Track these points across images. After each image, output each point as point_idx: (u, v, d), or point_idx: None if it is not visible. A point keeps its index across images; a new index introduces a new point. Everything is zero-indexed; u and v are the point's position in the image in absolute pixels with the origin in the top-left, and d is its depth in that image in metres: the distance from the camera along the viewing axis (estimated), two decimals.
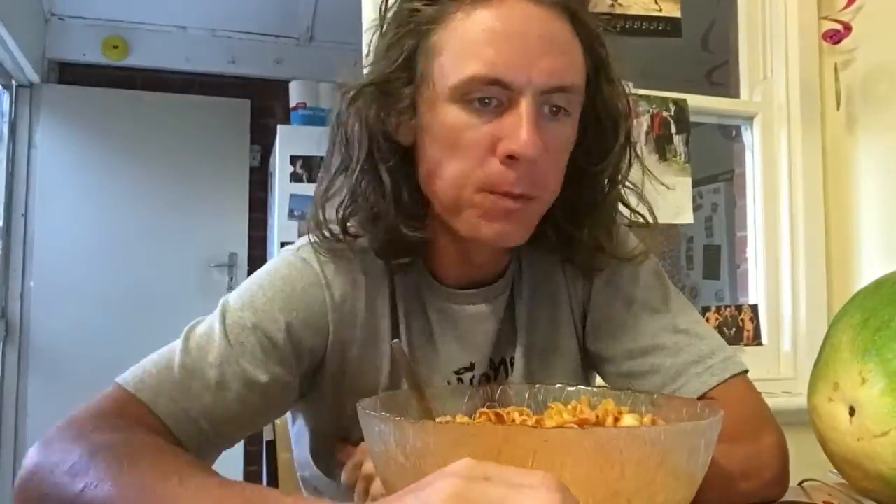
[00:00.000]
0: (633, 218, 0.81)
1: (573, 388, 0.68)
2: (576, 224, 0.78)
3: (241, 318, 0.70)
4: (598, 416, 0.59)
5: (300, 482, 0.91)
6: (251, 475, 3.42)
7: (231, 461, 3.54)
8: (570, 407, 0.61)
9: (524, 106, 0.65)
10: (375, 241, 0.75)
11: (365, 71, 0.75)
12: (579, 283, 0.84)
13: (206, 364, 0.68)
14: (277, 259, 0.77)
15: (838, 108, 1.69)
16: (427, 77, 0.68)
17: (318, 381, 0.77)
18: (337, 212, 0.74)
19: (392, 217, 0.72)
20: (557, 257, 0.83)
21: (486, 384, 0.81)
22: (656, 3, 1.57)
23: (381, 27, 0.73)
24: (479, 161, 0.67)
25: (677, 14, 1.58)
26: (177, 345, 0.70)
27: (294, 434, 0.89)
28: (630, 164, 0.77)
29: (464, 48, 0.66)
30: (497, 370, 0.82)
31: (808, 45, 1.72)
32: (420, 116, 0.70)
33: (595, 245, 0.79)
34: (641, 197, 0.80)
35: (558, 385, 0.70)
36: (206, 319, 0.72)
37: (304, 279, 0.74)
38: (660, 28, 1.57)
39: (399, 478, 0.51)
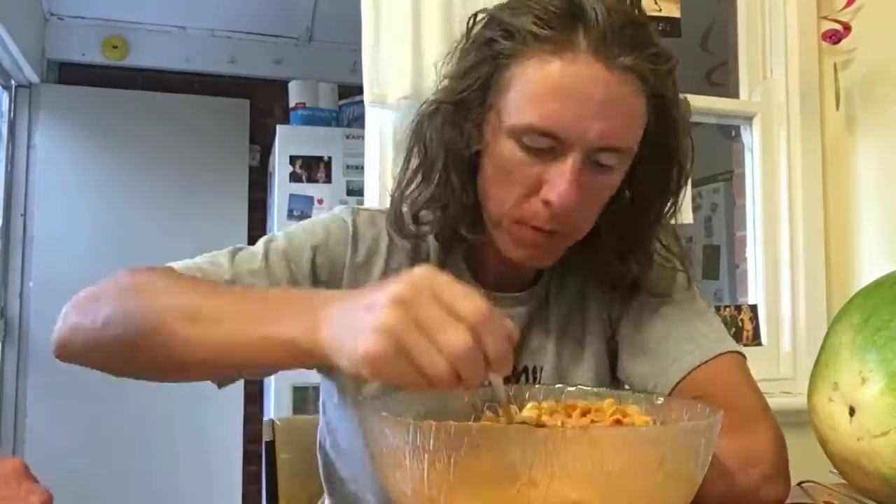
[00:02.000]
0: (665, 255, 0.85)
1: (573, 388, 0.68)
2: (620, 258, 0.82)
3: (277, 244, 0.80)
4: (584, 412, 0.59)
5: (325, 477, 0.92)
6: (251, 475, 3.41)
7: (231, 461, 3.54)
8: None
9: (570, 161, 0.70)
10: (441, 231, 0.82)
11: (441, 81, 0.80)
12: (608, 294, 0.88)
13: (246, 271, 0.77)
14: (329, 213, 0.87)
15: (838, 108, 1.69)
16: (495, 106, 0.74)
17: None
18: (411, 208, 0.81)
19: (453, 217, 0.79)
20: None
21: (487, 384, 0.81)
22: (656, 3, 1.57)
23: (467, 38, 0.77)
24: (522, 197, 0.73)
25: (677, 14, 1.58)
26: (227, 250, 0.81)
27: (323, 426, 0.91)
28: (678, 207, 0.82)
29: (530, 94, 0.70)
30: (528, 376, 0.85)
31: (808, 45, 1.72)
32: (483, 136, 0.75)
33: (634, 280, 0.83)
34: (677, 237, 0.85)
35: (558, 385, 0.70)
36: (258, 241, 0.82)
37: (337, 233, 0.83)
38: (659, 28, 1.57)
39: (401, 478, 0.51)
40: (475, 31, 0.76)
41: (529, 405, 0.63)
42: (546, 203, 0.71)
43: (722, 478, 0.66)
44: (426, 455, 0.47)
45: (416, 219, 0.80)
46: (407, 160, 0.82)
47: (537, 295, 0.86)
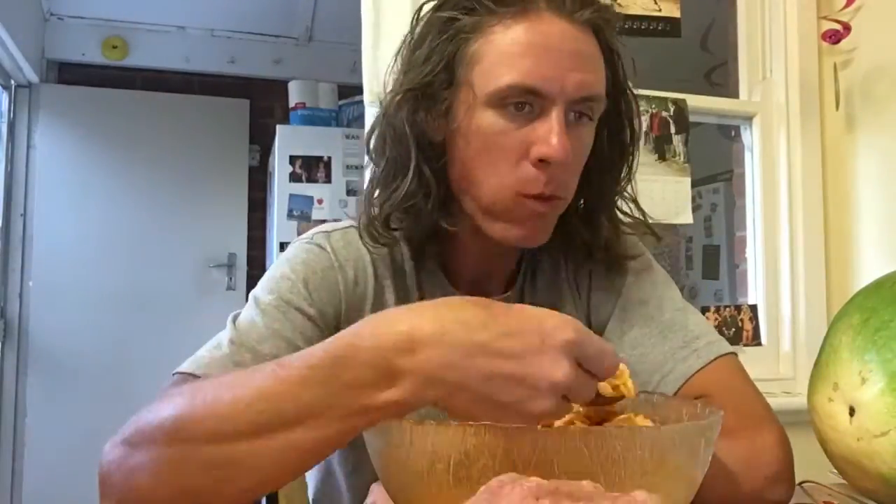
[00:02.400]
0: (632, 219, 0.85)
1: None
2: (589, 225, 0.83)
3: (272, 302, 0.75)
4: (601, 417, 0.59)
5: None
6: None
7: None
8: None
9: (555, 114, 0.70)
10: (413, 234, 0.80)
11: (391, 77, 0.80)
12: (583, 281, 0.88)
13: (254, 340, 0.72)
14: (294, 248, 0.81)
15: (838, 108, 1.69)
16: (465, 82, 0.73)
17: None
18: (381, 207, 0.78)
19: (430, 211, 0.76)
20: (561, 258, 0.87)
21: None
22: (656, 3, 1.57)
23: (413, 34, 0.78)
24: (512, 165, 0.72)
25: (677, 14, 1.58)
26: (224, 331, 0.74)
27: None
28: (633, 168, 0.83)
29: (502, 58, 0.70)
30: None
31: (808, 44, 1.72)
32: (455, 119, 0.74)
33: (606, 245, 0.83)
34: (636, 202, 0.85)
35: None
36: (243, 311, 0.77)
37: (321, 262, 0.79)
38: (659, 28, 1.57)
39: (400, 477, 0.51)
40: (427, 17, 0.77)
41: None
42: (541, 161, 0.70)
43: (727, 480, 0.66)
44: (426, 456, 0.47)
45: (386, 224, 0.78)
46: (375, 162, 0.80)
47: (514, 298, 0.85)
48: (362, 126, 1.57)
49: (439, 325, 0.48)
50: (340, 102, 3.40)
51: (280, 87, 3.54)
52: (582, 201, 0.83)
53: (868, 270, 1.64)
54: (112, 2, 3.42)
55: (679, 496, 0.50)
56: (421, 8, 0.78)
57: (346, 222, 0.84)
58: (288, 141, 3.17)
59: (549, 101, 0.70)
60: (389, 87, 0.79)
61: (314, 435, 0.49)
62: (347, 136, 3.19)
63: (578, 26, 0.71)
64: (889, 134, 1.61)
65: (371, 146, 0.81)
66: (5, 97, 3.36)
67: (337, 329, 0.77)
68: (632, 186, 0.84)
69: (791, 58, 1.72)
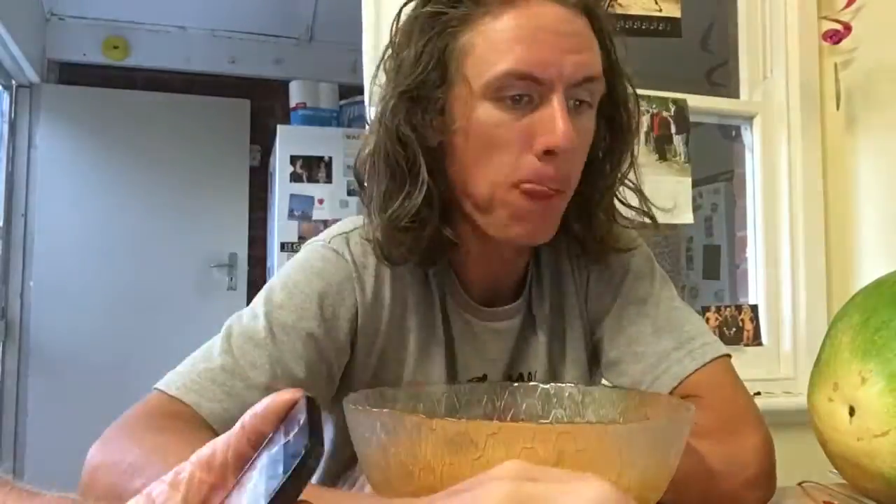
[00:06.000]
0: (638, 216, 0.83)
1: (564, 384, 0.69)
2: (583, 216, 0.80)
3: (280, 317, 0.72)
4: None
5: None
6: None
7: None
8: None
9: (556, 100, 0.67)
10: (418, 246, 0.75)
11: (366, 83, 0.78)
12: (583, 272, 0.86)
13: (248, 364, 0.69)
14: (309, 252, 0.78)
15: (838, 109, 1.69)
16: (459, 77, 0.70)
17: (348, 372, 0.78)
18: (391, 220, 0.73)
19: (433, 219, 0.73)
20: (566, 257, 0.86)
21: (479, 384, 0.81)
22: (656, 3, 1.57)
23: (394, 38, 0.74)
24: (514, 158, 0.69)
25: (677, 14, 1.58)
26: (215, 343, 0.71)
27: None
28: (634, 159, 0.80)
29: (496, 47, 0.68)
30: (524, 379, 0.84)
31: (808, 45, 1.72)
32: (451, 116, 0.71)
33: (599, 238, 0.81)
34: (643, 196, 0.82)
35: (568, 385, 0.70)
36: (243, 316, 0.73)
37: (338, 273, 0.75)
38: (660, 28, 1.57)
39: (391, 475, 0.50)
40: (409, 17, 0.73)
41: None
42: (546, 153, 0.67)
43: (706, 479, 0.66)
44: (415, 450, 0.47)
45: (394, 240, 0.73)
46: (372, 178, 0.75)
47: (524, 305, 0.84)
48: (363, 126, 1.57)
49: None
50: (341, 102, 3.41)
51: (281, 87, 3.54)
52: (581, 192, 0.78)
53: (868, 270, 1.64)
54: (113, 2, 3.42)
55: (654, 485, 0.50)
56: (400, 12, 0.75)
57: (361, 218, 0.80)
58: (288, 141, 3.17)
59: (548, 87, 0.67)
60: (377, 98, 0.75)
61: None
62: (348, 137, 3.20)
63: (569, 8, 0.69)
64: (889, 134, 1.61)
65: (367, 163, 0.75)
66: (6, 97, 3.36)
67: (348, 349, 0.75)
68: (635, 175, 0.81)
69: (791, 58, 1.72)
